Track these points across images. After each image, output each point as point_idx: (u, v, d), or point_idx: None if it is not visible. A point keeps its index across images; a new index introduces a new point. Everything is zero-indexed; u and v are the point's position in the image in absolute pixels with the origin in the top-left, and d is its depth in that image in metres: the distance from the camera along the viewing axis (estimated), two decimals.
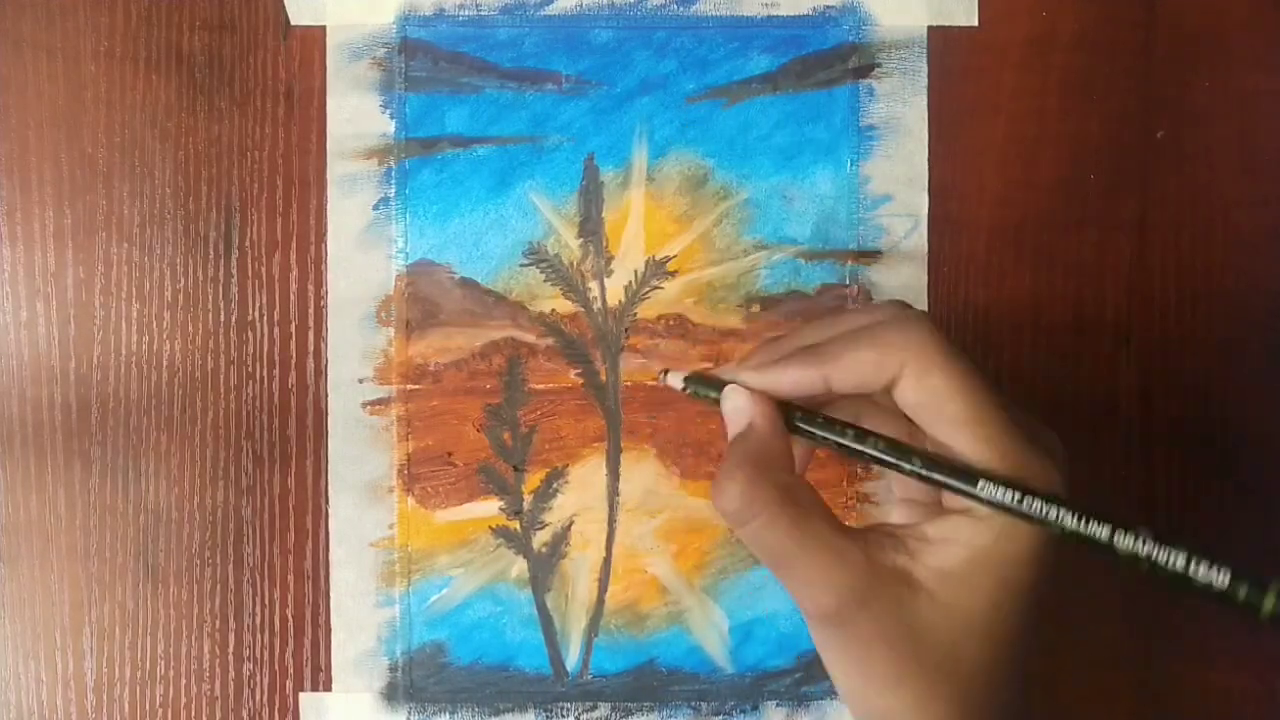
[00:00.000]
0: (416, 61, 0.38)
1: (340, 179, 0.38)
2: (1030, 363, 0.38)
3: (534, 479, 0.38)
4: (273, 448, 0.38)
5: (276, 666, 0.38)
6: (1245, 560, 0.40)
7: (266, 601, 0.38)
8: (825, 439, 0.29)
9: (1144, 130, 0.38)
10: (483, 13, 0.38)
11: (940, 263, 0.38)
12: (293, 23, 0.37)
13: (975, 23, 0.38)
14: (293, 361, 0.38)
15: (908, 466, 0.28)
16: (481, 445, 0.38)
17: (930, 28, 0.38)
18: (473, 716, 0.38)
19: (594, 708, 0.38)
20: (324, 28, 0.38)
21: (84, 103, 0.37)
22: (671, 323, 0.38)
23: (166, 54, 0.37)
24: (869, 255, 0.38)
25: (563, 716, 0.38)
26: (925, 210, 0.38)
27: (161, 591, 0.38)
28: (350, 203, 0.38)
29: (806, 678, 0.38)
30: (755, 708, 0.38)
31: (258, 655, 0.38)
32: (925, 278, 0.38)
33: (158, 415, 0.38)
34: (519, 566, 0.38)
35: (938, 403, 0.27)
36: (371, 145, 0.38)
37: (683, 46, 0.38)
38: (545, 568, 0.38)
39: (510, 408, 0.38)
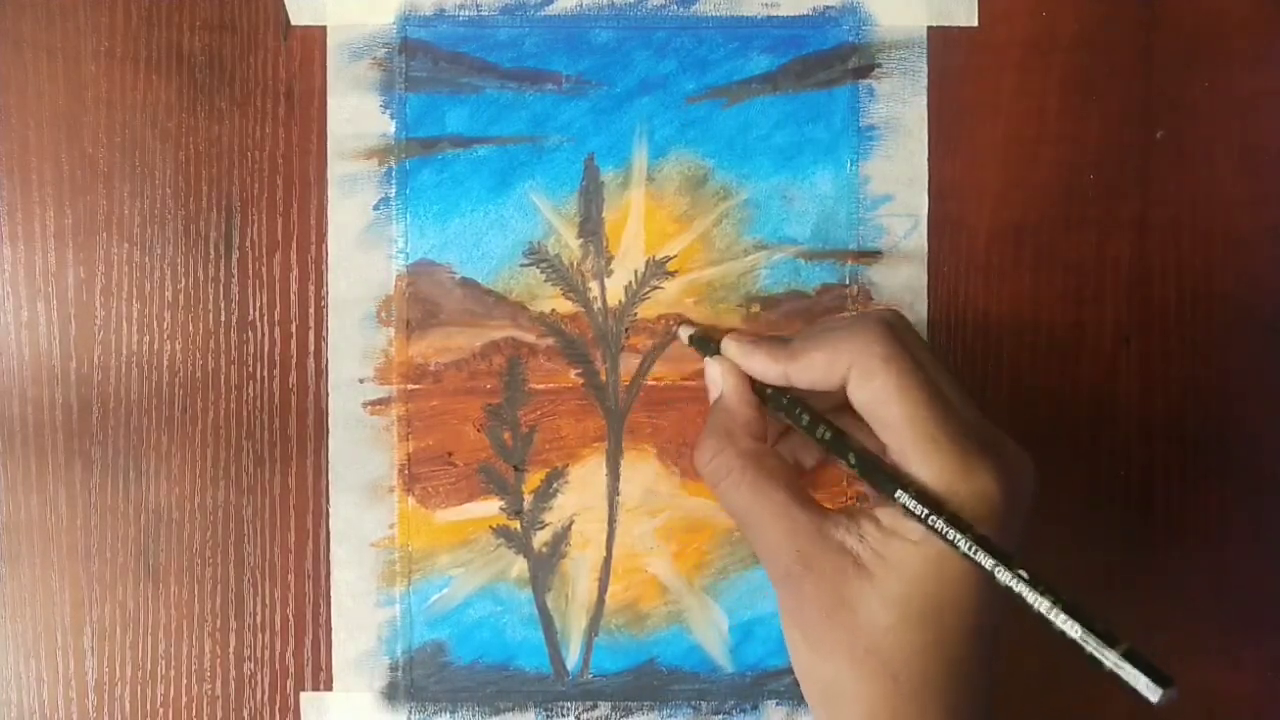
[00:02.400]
0: (417, 61, 0.38)
1: (340, 179, 0.38)
2: (1030, 363, 0.38)
3: (534, 479, 0.38)
4: (273, 448, 0.38)
5: (277, 666, 0.38)
6: (1244, 560, 0.40)
7: (267, 601, 0.38)
8: (785, 415, 0.32)
9: (1144, 130, 0.38)
10: (483, 13, 0.38)
11: (940, 263, 0.38)
12: (293, 23, 0.38)
13: (975, 23, 0.38)
14: (293, 361, 0.38)
15: (843, 462, 0.30)
16: (482, 445, 0.38)
17: (930, 28, 0.38)
18: (473, 716, 0.38)
19: (594, 707, 0.38)
20: (324, 28, 0.38)
21: (84, 103, 0.37)
22: (672, 323, 0.38)
23: (167, 54, 0.37)
24: (869, 255, 0.38)
25: (563, 716, 0.38)
26: (925, 210, 0.38)
27: (162, 591, 0.38)
28: (350, 203, 0.38)
29: None
30: (755, 707, 0.38)
31: (258, 655, 0.38)
32: (925, 278, 0.38)
33: (158, 415, 0.38)
34: (519, 566, 0.38)
35: (879, 406, 0.29)
36: (372, 145, 0.38)
37: (683, 46, 0.38)
38: (545, 567, 0.38)
39: (510, 408, 0.38)
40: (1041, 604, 0.25)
